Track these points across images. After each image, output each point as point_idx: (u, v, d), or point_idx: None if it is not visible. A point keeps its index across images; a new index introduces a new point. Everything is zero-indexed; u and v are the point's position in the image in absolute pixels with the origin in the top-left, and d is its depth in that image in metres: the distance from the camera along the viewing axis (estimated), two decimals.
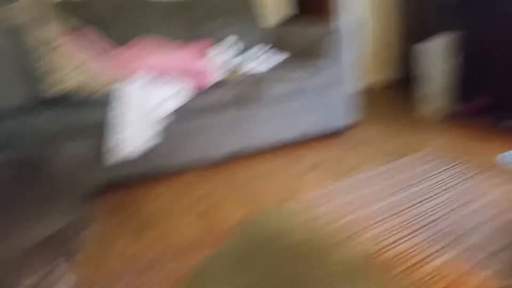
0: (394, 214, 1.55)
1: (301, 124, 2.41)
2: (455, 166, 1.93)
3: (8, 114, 1.68)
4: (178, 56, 2.15)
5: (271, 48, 2.78)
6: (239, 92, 2.16)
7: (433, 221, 1.49)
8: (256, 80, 2.23)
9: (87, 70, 1.83)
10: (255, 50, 2.66)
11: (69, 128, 1.77)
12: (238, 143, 2.26)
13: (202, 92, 2.07)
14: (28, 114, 1.71)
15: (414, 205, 1.62)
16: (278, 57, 2.64)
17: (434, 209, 1.58)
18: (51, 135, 1.74)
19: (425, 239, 1.38)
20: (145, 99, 1.90)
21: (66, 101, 1.79)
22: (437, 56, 2.74)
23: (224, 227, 1.55)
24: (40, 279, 1.02)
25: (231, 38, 2.66)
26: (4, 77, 1.67)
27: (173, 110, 1.98)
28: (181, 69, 2.05)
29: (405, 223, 1.49)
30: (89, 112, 1.80)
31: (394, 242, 1.39)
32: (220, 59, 2.39)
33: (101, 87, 1.83)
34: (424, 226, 1.47)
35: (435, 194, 1.69)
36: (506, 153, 2.03)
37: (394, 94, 3.54)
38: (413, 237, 1.40)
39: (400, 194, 1.71)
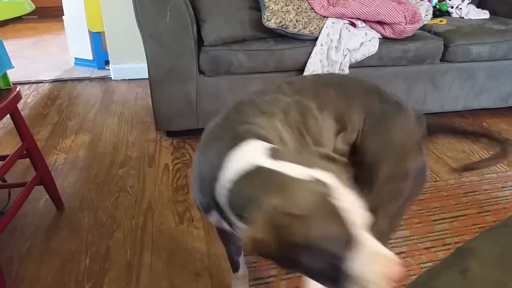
0: None
1: (496, 92, 2.43)
2: None
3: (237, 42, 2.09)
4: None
5: (470, 3, 2.72)
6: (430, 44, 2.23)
7: None
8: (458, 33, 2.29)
9: (299, 8, 2.08)
10: (456, 2, 2.65)
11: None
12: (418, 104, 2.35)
13: (398, 40, 2.20)
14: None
15: None
16: (479, 13, 2.62)
17: None
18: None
19: None
20: (343, 42, 2.09)
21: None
22: None
23: None
24: None
25: None
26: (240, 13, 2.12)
27: (361, 57, 2.12)
28: (393, 8, 2.12)
29: None
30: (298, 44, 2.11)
31: None
32: (422, 6, 2.39)
33: (309, 25, 2.06)
34: None
35: None
36: None
37: None
38: None
39: None
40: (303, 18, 2.07)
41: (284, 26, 2.04)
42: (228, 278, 1.34)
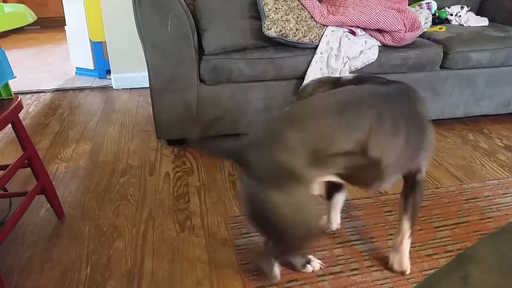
0: None
1: (497, 98, 2.45)
2: None
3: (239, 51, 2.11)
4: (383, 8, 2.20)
5: (469, 10, 2.74)
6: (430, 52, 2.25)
7: None
8: (458, 40, 2.31)
9: (299, 17, 2.08)
10: (455, 9, 2.69)
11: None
12: None
13: (398, 47, 2.22)
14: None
15: None
16: (478, 20, 2.64)
17: None
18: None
19: None
20: (343, 50, 2.10)
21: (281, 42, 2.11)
22: None
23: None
24: None
25: None
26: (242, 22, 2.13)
27: (361, 65, 2.14)
28: (392, 16, 2.14)
29: None
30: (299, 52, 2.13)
31: None
32: (422, 14, 2.41)
33: (309, 33, 2.08)
34: None
35: None
36: None
37: None
38: None
39: None
40: (303, 27, 2.08)
41: (284, 35, 2.05)
42: (229, 286, 1.33)
